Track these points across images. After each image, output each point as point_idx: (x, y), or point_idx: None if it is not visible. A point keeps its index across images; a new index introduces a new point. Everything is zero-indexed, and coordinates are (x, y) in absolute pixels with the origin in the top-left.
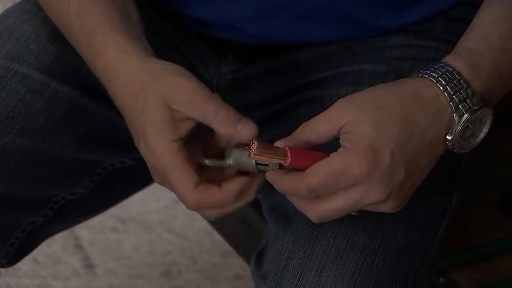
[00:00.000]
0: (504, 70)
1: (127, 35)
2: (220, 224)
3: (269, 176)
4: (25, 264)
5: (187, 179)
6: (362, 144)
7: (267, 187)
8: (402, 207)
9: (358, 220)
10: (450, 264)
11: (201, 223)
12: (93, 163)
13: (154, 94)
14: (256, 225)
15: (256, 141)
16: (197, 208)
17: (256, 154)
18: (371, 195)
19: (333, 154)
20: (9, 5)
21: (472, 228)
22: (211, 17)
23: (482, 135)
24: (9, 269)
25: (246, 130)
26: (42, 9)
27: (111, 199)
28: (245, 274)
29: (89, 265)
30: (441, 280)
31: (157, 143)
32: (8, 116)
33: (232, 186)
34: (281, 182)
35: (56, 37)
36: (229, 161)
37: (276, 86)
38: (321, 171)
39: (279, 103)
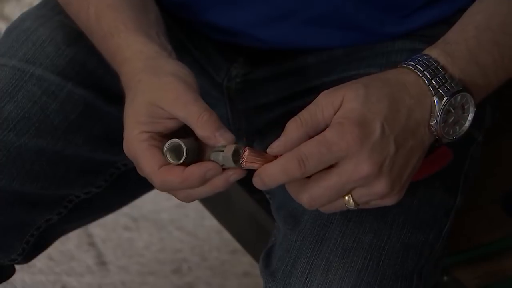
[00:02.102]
0: (482, 60)
1: (142, 35)
2: (229, 222)
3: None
4: (40, 261)
5: (152, 160)
6: (353, 116)
7: (276, 187)
8: (397, 194)
9: (365, 219)
10: (453, 262)
11: (211, 222)
12: (107, 163)
13: (143, 89)
14: (264, 224)
15: (248, 149)
16: (163, 187)
17: (248, 162)
18: (363, 168)
19: (327, 129)
20: (25, 9)
21: (475, 227)
22: (221, 24)
23: (467, 123)
24: (25, 266)
25: (223, 138)
26: (58, 13)
27: (123, 198)
28: (253, 271)
29: (102, 262)
30: (445, 278)
31: (130, 133)
32: (24, 117)
33: (196, 169)
34: (270, 165)
35: (71, 40)
36: (212, 157)
37: (284, 89)
38: (314, 140)
39: (287, 105)
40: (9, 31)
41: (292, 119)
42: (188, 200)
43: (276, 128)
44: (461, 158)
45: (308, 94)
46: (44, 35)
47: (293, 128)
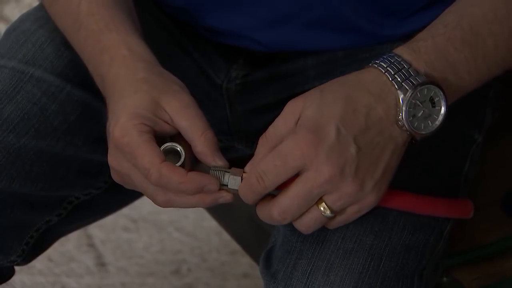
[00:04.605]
0: (452, 57)
1: (140, 39)
2: (228, 223)
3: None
4: (39, 262)
5: (154, 153)
6: (307, 124)
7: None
8: (374, 193)
9: (365, 221)
10: (453, 263)
11: (210, 223)
12: (106, 164)
13: (151, 86)
14: (264, 225)
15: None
16: (158, 183)
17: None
18: (324, 171)
19: (284, 141)
20: (25, 10)
21: (474, 228)
22: (221, 27)
23: (440, 117)
24: (24, 267)
25: (220, 160)
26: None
27: (123, 199)
28: (253, 272)
29: (101, 263)
30: (445, 279)
31: (129, 120)
32: (24, 119)
33: (199, 177)
34: (241, 185)
35: None
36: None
37: (284, 90)
38: (271, 154)
39: None
40: (8, 32)
41: (261, 136)
42: (166, 205)
43: None
44: (461, 159)
45: None
46: (43, 36)
47: (260, 145)
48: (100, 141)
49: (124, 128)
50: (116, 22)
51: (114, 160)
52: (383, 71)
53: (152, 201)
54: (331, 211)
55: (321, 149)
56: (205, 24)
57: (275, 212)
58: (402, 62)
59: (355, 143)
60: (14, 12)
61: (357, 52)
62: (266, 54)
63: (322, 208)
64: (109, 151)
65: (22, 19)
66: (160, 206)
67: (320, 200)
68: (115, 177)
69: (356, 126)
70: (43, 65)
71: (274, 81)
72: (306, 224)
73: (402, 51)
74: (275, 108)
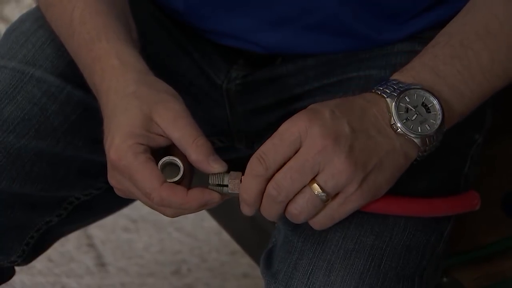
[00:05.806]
0: (442, 71)
1: (132, 48)
2: (228, 223)
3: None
4: (39, 263)
5: (153, 176)
6: (305, 110)
7: None
8: (362, 190)
9: (366, 221)
10: (453, 263)
11: (210, 223)
12: (107, 164)
13: (141, 101)
14: (264, 225)
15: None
16: (160, 203)
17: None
18: (316, 142)
19: None
20: (25, 10)
21: (475, 228)
22: (221, 29)
23: (438, 121)
24: (24, 267)
25: (216, 163)
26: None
27: (123, 199)
28: (253, 272)
29: (101, 264)
30: (445, 279)
31: (124, 142)
32: (24, 119)
33: (199, 195)
34: (244, 181)
35: None
36: (211, 181)
37: (284, 91)
38: (270, 137)
39: (286, 108)
40: (8, 32)
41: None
42: (175, 216)
43: (275, 130)
44: (461, 159)
45: (308, 97)
46: (43, 36)
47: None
48: (100, 141)
49: (120, 150)
50: (108, 30)
51: (113, 179)
52: (374, 90)
53: (161, 214)
54: (323, 191)
55: (314, 123)
56: (204, 27)
57: (270, 186)
58: (390, 79)
59: (349, 126)
60: (14, 12)
61: (357, 52)
62: (266, 55)
63: (315, 191)
64: (108, 171)
65: (22, 19)
66: (170, 217)
67: (313, 180)
68: (118, 193)
69: (351, 113)
70: (43, 66)
71: (274, 81)
72: (299, 206)
73: (391, 76)
74: (275, 109)
